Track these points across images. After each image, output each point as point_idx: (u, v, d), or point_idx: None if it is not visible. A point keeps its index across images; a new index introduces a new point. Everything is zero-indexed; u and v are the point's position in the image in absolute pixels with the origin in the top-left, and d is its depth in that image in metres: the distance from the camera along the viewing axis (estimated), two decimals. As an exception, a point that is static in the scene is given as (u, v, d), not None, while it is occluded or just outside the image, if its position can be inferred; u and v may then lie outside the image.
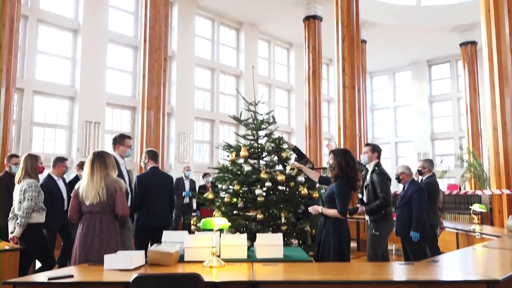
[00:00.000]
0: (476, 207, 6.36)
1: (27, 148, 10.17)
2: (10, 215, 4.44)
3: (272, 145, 5.16)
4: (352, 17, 10.60)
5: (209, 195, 5.06)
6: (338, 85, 10.47)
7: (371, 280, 2.97)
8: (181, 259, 3.37)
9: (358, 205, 4.79)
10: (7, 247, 4.08)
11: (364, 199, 4.88)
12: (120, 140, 4.55)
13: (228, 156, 5.20)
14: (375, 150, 4.94)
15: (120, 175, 4.40)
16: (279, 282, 2.94)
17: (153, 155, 5.25)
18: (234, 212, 4.99)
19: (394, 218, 5.13)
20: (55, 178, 5.40)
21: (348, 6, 10.59)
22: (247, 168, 4.99)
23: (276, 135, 5.43)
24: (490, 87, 8.19)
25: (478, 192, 8.94)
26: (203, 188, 9.16)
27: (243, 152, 5.02)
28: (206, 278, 2.71)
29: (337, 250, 3.82)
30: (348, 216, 3.99)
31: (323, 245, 3.86)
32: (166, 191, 5.15)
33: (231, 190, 5.02)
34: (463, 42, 15.80)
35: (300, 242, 4.81)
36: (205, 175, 10.04)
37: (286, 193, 5.02)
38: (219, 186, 5.18)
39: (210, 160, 14.64)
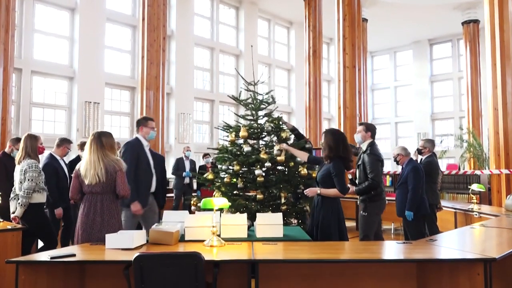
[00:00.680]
0: (474, 186, 6.39)
1: (26, 128, 10.15)
2: (12, 195, 4.47)
3: (272, 125, 5.16)
4: (353, -6, 10.45)
5: (209, 175, 5.08)
6: (339, 65, 10.39)
7: (369, 259, 3.01)
8: (181, 239, 3.41)
9: (349, 185, 4.79)
10: (9, 227, 4.12)
11: (357, 179, 4.88)
12: (143, 122, 4.60)
13: (228, 136, 5.20)
14: (369, 129, 4.86)
15: (144, 157, 4.49)
16: (279, 261, 2.98)
17: None
18: (234, 192, 5.02)
19: (393, 198, 5.16)
20: (57, 158, 5.42)
21: (349, -16, 10.43)
22: (246, 148, 5.00)
23: (275, 115, 5.41)
24: (491, 66, 8.13)
25: (477, 172, 8.98)
26: (203, 169, 9.18)
27: (243, 133, 5.02)
28: (207, 257, 2.74)
29: (338, 229, 3.87)
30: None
31: (323, 225, 3.89)
32: (158, 171, 5.14)
33: (231, 171, 5.04)
34: (465, 20, 15.60)
35: (300, 221, 4.86)
36: (205, 155, 10.06)
37: (286, 173, 5.04)
38: (219, 166, 5.20)
39: (210, 140, 14.65)
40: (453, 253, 3.03)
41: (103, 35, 11.96)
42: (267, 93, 5.46)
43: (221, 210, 3.79)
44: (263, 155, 4.84)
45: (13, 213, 4.33)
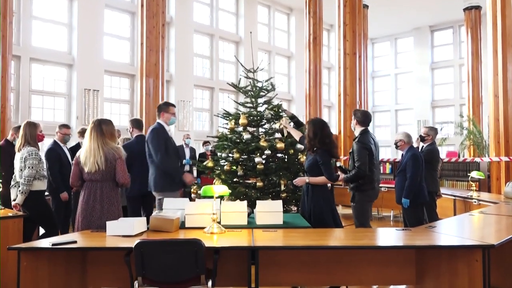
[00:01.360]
0: (474, 174, 6.41)
1: (26, 116, 10.13)
2: (12, 182, 4.48)
3: (271, 112, 5.15)
4: (354, -20, 10.32)
5: (209, 163, 5.09)
6: (339, 52, 10.32)
7: (368, 245, 3.04)
8: (182, 226, 3.43)
9: (339, 173, 4.79)
10: (10, 214, 4.14)
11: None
12: (165, 107, 4.60)
13: (227, 124, 5.20)
14: (356, 116, 4.75)
15: (171, 142, 4.54)
16: (279, 247, 3.00)
17: (136, 124, 5.32)
18: (234, 179, 5.03)
19: (392, 186, 5.16)
20: (61, 144, 5.45)
21: (350, -31, 10.29)
22: (246, 136, 5.00)
23: (275, 102, 5.40)
24: (493, 53, 8.09)
25: (477, 160, 9.00)
26: (203, 156, 9.19)
27: (242, 120, 5.01)
28: (207, 243, 2.76)
29: (331, 217, 3.95)
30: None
31: (315, 213, 3.94)
32: None
33: (230, 158, 5.05)
34: (467, 6, 15.44)
35: (299, 209, 4.88)
36: (205, 143, 10.06)
37: (286, 160, 5.05)
38: (219, 154, 5.21)
39: (210, 128, 14.64)
40: (452, 240, 3.05)
41: (102, 21, 11.86)
42: (266, 81, 5.44)
43: (221, 197, 3.81)
44: (262, 143, 4.84)
45: (14, 200, 4.35)
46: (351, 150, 4.74)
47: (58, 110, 11.22)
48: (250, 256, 2.85)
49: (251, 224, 3.55)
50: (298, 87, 17.00)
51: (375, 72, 21.36)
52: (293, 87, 17.47)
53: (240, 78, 5.71)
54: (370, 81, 20.53)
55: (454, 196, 6.53)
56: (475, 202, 5.85)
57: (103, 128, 3.51)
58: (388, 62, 21.00)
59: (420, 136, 6.03)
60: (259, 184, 4.82)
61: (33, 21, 10.77)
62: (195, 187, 5.06)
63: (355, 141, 4.65)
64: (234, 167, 4.99)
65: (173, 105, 4.75)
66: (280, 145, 4.86)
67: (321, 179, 3.95)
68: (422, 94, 19.35)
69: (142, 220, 3.31)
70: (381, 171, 9.82)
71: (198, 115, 14.64)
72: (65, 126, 5.58)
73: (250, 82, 5.36)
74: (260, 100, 5.35)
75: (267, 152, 4.88)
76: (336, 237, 3.38)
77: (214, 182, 5.01)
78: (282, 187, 4.74)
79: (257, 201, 3.74)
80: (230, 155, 5.07)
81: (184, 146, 9.35)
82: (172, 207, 3.69)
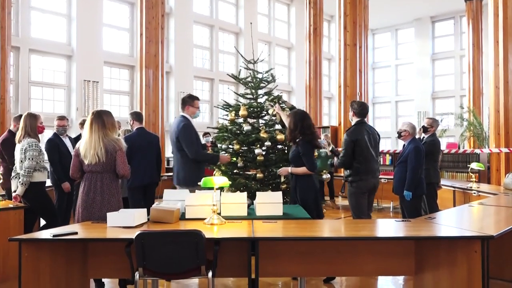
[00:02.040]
0: (474, 165, 6.41)
1: (26, 107, 10.12)
2: (13, 174, 4.49)
3: (272, 104, 5.14)
4: (355, -30, 10.23)
5: (209, 154, 5.09)
6: (339, 43, 10.27)
7: (368, 236, 3.05)
8: (182, 217, 3.44)
9: (335, 159, 4.84)
10: (11, 205, 4.16)
11: None
12: (190, 101, 4.58)
13: (227, 115, 5.19)
14: (352, 108, 4.74)
15: (197, 134, 4.56)
16: (279, 238, 3.01)
17: (137, 116, 5.37)
18: (234, 171, 5.04)
19: (391, 177, 5.16)
20: (61, 136, 5.45)
21: (351, -41, 10.20)
22: (246, 127, 4.99)
23: (275, 93, 5.39)
24: (494, 44, 8.06)
25: (477, 151, 9.00)
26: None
27: (242, 111, 5.01)
28: (207, 234, 2.77)
29: (316, 206, 4.06)
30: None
31: (301, 203, 4.03)
32: (154, 150, 5.29)
33: (231, 150, 5.05)
34: (468, -3, 15.34)
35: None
36: (205, 134, 10.05)
37: (286, 152, 5.05)
38: (219, 145, 5.21)
39: (210, 119, 14.61)
40: (451, 231, 3.06)
41: (101, 12, 11.80)
42: (267, 72, 5.43)
43: (221, 188, 3.81)
44: (263, 134, 4.84)
45: (15, 191, 4.36)
46: None
47: (57, 101, 11.20)
48: (250, 247, 2.87)
49: (251, 215, 3.55)
50: (298, 78, 16.95)
51: (375, 63, 21.28)
52: (293, 78, 17.42)
53: (240, 69, 5.70)
54: (371, 72, 20.45)
55: (454, 187, 6.54)
56: (475, 193, 5.86)
57: (104, 119, 3.49)
58: (388, 53, 20.91)
59: (423, 126, 6.00)
60: (259, 175, 4.83)
61: (32, 12, 10.71)
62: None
63: (345, 132, 4.71)
64: (234, 159, 5.00)
65: (198, 99, 4.73)
66: (280, 136, 4.86)
67: (302, 169, 4.06)
68: (422, 85, 19.30)
69: (143, 212, 3.32)
70: (381, 163, 9.84)
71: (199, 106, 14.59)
72: (59, 118, 5.52)
73: (250, 73, 5.34)
74: (260, 92, 5.34)
75: (267, 143, 4.89)
76: (336, 228, 3.40)
77: (214, 173, 5.01)
78: (282, 179, 4.75)
79: (257, 193, 3.75)
80: (230, 146, 5.08)
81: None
82: (173, 198, 3.70)
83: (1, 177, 4.78)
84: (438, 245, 3.02)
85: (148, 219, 3.32)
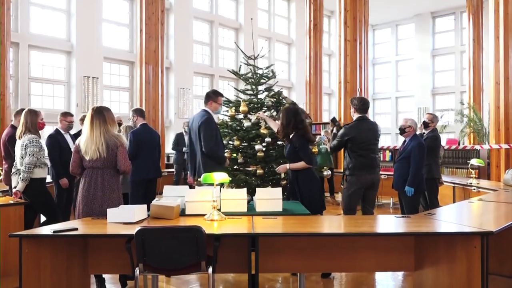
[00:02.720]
0: (474, 161, 6.41)
1: (25, 103, 10.10)
2: (13, 170, 4.49)
3: (272, 100, 5.13)
4: (355, -35, 10.18)
5: (209, 150, 5.08)
6: (340, 39, 10.24)
7: (368, 232, 3.05)
8: (182, 213, 3.44)
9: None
10: (11, 201, 4.16)
11: None
12: (214, 97, 4.57)
13: (228, 111, 5.19)
14: (352, 104, 4.72)
15: (218, 129, 4.57)
16: (279, 234, 3.02)
17: (140, 113, 5.49)
18: (234, 167, 5.04)
19: (391, 173, 5.15)
20: (62, 132, 5.47)
21: (351, -46, 10.15)
22: (246, 123, 4.99)
23: (275, 89, 5.39)
24: (494, 40, 8.04)
25: (477, 147, 9.00)
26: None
27: (243, 107, 5.00)
28: (207, 230, 2.78)
29: (320, 197, 4.14)
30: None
31: (306, 197, 4.04)
32: (156, 145, 5.49)
33: (231, 146, 5.05)
34: (469, -8, 15.29)
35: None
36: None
37: (286, 148, 5.04)
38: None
39: (210, 115, 14.58)
40: (451, 227, 3.07)
41: (100, 8, 11.75)
42: (267, 68, 5.42)
43: (221, 184, 3.82)
44: (263, 130, 4.84)
45: (15, 187, 4.36)
46: None
47: (57, 97, 11.19)
48: (250, 243, 2.87)
49: (251, 211, 3.56)
50: (298, 74, 16.92)
51: (375, 59, 21.24)
52: (293, 74, 17.39)
53: (240, 65, 5.69)
54: (371, 68, 20.42)
55: (454, 183, 6.55)
56: (475, 189, 5.87)
57: (105, 115, 3.50)
58: (389, 49, 20.87)
59: (424, 122, 5.99)
60: (259, 171, 4.83)
61: (31, 7, 10.68)
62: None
63: (344, 126, 4.76)
64: (235, 155, 5.00)
65: (222, 95, 4.74)
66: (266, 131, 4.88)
67: (301, 164, 4.08)
68: (422, 81, 19.27)
69: (143, 208, 3.32)
70: (381, 159, 9.83)
71: (198, 102, 14.59)
72: (70, 114, 5.62)
73: (250, 69, 5.34)
74: (260, 87, 5.33)
75: (268, 139, 4.89)
76: (336, 224, 3.40)
77: (214, 169, 5.01)
78: (282, 175, 4.75)
79: (257, 189, 3.75)
80: (231, 142, 5.08)
81: (184, 133, 9.33)
82: (173, 194, 3.70)
83: (1, 173, 4.78)
84: (438, 241, 3.03)
85: (148, 215, 3.33)
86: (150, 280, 3.49)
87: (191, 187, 4.25)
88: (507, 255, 3.95)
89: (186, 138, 9.30)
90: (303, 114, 4.33)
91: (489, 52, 8.30)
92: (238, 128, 5.11)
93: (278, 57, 17.03)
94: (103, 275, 3.72)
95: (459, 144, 10.34)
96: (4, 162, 5.14)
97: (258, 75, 5.29)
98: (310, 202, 3.97)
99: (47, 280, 2.90)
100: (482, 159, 7.18)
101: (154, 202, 3.41)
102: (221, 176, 3.33)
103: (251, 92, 5.32)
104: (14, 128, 5.22)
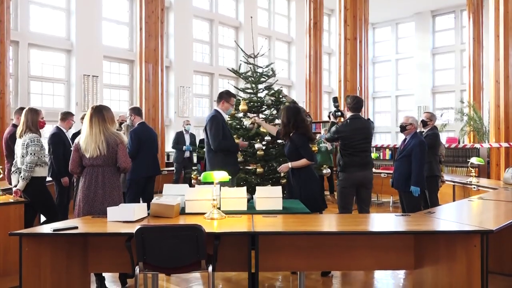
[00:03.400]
0: (474, 160, 6.41)
1: (25, 102, 10.10)
2: (13, 168, 4.48)
3: (272, 98, 5.13)
4: (355, -36, 10.17)
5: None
6: (340, 37, 10.23)
7: (367, 231, 3.06)
8: (182, 212, 3.44)
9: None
10: (11, 200, 4.16)
11: None
12: (227, 97, 4.58)
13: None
14: (348, 103, 4.75)
15: (227, 129, 4.61)
16: (279, 233, 3.02)
17: (138, 112, 5.54)
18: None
19: (390, 172, 5.15)
20: (64, 130, 5.50)
21: (351, -47, 10.13)
22: (246, 122, 4.99)
23: (275, 88, 5.39)
24: (494, 38, 8.03)
25: (477, 146, 9.00)
26: (204, 142, 9.17)
27: (243, 106, 5.00)
28: (207, 229, 2.78)
29: (319, 197, 4.15)
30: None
31: (307, 195, 4.04)
32: (155, 144, 5.55)
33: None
34: (469, -9, 15.27)
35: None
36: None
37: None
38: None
39: (210, 114, 14.58)
40: (451, 225, 3.07)
41: (100, 6, 11.73)
42: (267, 66, 5.42)
43: (221, 183, 3.82)
44: (263, 129, 4.84)
45: (15, 186, 4.36)
46: None
47: (57, 96, 11.18)
48: (250, 242, 2.87)
49: (251, 210, 3.56)
50: (298, 72, 16.92)
51: (375, 57, 21.24)
52: (293, 72, 17.38)
53: (240, 64, 5.69)
54: (371, 66, 20.41)
55: (454, 182, 6.55)
56: (474, 188, 5.87)
57: (104, 113, 3.50)
58: (388, 48, 20.86)
59: (423, 120, 5.98)
60: (259, 170, 4.83)
61: (31, 6, 10.66)
62: (195, 173, 5.08)
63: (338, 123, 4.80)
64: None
65: (235, 96, 4.79)
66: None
67: (302, 161, 4.09)
68: (422, 79, 19.27)
69: (143, 206, 3.32)
70: (381, 157, 9.84)
71: (198, 101, 14.60)
72: (72, 114, 5.71)
73: (250, 67, 5.33)
74: (260, 86, 5.33)
75: (267, 138, 4.89)
76: (336, 223, 3.40)
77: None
78: (282, 173, 4.75)
79: (257, 187, 3.75)
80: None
81: (184, 132, 9.34)
82: (172, 193, 3.70)
83: (1, 172, 4.78)
84: (438, 239, 3.03)
85: (148, 213, 3.33)
86: (150, 278, 3.49)
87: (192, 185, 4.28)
88: (507, 254, 3.96)
89: (186, 136, 9.33)
90: (304, 112, 4.33)
91: (489, 51, 8.29)
92: (238, 126, 5.11)
93: (278, 55, 17.02)
94: (103, 274, 3.73)
95: (459, 143, 10.35)
96: (6, 160, 5.15)
97: (258, 73, 5.29)
98: (309, 200, 3.97)
99: (47, 279, 2.91)
100: (482, 158, 7.18)
101: (154, 200, 3.41)
102: (221, 175, 3.33)
103: (251, 91, 5.32)
104: (16, 127, 5.23)
